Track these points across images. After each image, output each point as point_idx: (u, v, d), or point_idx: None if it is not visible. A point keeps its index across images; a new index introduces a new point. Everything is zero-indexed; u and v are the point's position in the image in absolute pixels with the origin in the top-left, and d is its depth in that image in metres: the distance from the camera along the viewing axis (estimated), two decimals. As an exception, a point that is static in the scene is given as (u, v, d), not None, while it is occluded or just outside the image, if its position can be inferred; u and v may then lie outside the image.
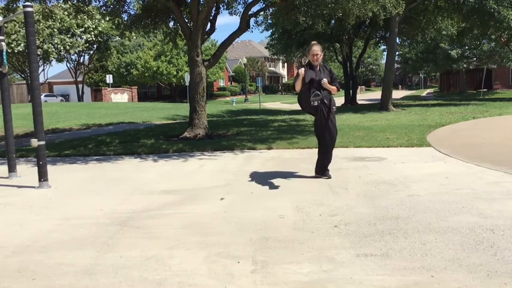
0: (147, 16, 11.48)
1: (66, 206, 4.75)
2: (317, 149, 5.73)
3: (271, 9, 12.14)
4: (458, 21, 21.78)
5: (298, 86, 5.42)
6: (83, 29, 37.85)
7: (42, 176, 5.67)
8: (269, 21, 21.81)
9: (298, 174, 5.86)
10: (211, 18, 10.87)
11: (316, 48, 5.39)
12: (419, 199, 4.43)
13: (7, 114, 6.46)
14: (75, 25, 37.04)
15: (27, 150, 8.79)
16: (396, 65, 41.61)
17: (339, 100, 33.11)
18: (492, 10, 18.78)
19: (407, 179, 5.33)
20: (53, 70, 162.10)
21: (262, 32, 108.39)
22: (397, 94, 45.02)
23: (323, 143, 5.57)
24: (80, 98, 44.21)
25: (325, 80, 5.35)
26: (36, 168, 5.84)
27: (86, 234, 3.74)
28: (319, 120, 5.48)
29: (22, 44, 31.99)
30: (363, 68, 72.87)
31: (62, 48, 37.14)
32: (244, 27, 11.08)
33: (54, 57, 37.49)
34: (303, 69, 5.37)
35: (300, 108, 5.83)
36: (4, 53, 6.31)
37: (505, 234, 3.34)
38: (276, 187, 5.21)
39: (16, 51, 33.64)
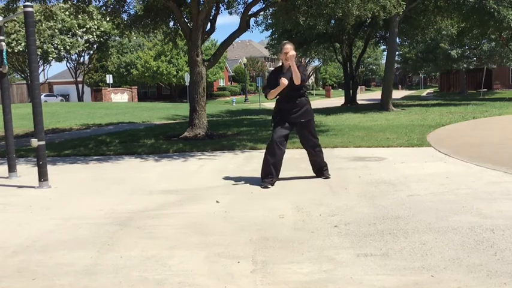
0: (147, 16, 11.48)
1: (66, 206, 4.75)
2: None
3: (271, 9, 12.14)
4: (458, 21, 21.78)
5: (272, 96, 5.30)
6: (85, 29, 37.84)
7: (42, 176, 5.66)
8: (269, 21, 21.84)
9: (298, 174, 5.86)
10: (211, 18, 10.87)
11: (288, 47, 5.19)
12: (419, 199, 4.43)
13: (7, 114, 6.46)
14: (76, 25, 37.03)
15: (27, 150, 8.79)
16: (396, 65, 41.57)
17: (339, 100, 33.21)
18: (492, 10, 18.77)
19: (407, 179, 5.33)
20: (53, 70, 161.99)
21: (262, 32, 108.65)
22: (397, 94, 45.02)
23: (306, 151, 5.59)
24: (80, 98, 44.22)
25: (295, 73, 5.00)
26: (36, 168, 5.83)
27: (86, 234, 3.74)
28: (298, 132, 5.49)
29: (22, 44, 31.98)
30: (363, 68, 72.91)
31: (62, 48, 37.14)
32: (244, 27, 11.08)
33: (53, 57, 37.48)
34: (285, 80, 5.10)
35: None
36: (4, 53, 6.31)
37: (505, 234, 3.34)
38: (276, 187, 5.21)
39: (16, 51, 33.64)
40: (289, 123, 5.32)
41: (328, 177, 5.52)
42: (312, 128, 5.46)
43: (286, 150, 5.43)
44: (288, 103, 5.28)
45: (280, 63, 5.49)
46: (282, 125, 5.30)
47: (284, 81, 5.11)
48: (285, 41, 5.48)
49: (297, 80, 5.10)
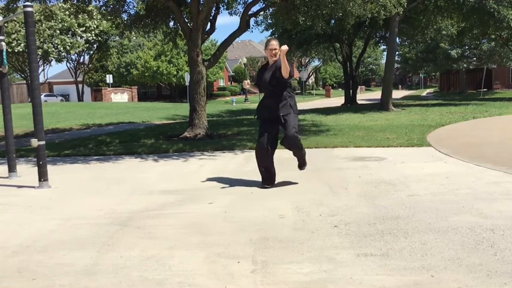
0: (147, 16, 11.48)
1: (66, 206, 4.75)
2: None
3: (271, 9, 12.15)
4: (458, 21, 21.77)
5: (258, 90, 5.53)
6: (84, 28, 37.83)
7: (42, 176, 5.66)
8: (269, 21, 21.83)
9: (298, 174, 5.85)
10: (211, 18, 10.87)
11: (274, 43, 5.16)
12: (419, 199, 4.43)
13: (7, 114, 6.46)
14: (76, 25, 37.02)
15: (27, 150, 8.79)
16: (396, 65, 41.60)
17: (339, 100, 33.18)
18: (492, 10, 18.78)
19: (407, 179, 5.33)
20: (53, 70, 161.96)
21: (262, 32, 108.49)
22: (397, 94, 45.00)
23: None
24: (80, 98, 44.20)
25: (282, 48, 4.94)
26: (36, 168, 5.83)
27: (86, 234, 3.74)
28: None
29: (22, 44, 31.97)
30: (362, 68, 72.87)
31: (62, 48, 37.14)
32: (244, 27, 11.08)
33: (54, 57, 37.48)
34: (246, 82, 5.45)
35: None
36: (4, 53, 6.31)
37: (505, 234, 3.34)
38: (276, 187, 5.21)
39: (16, 51, 33.64)
40: (272, 121, 5.17)
41: (302, 170, 5.48)
42: (292, 120, 5.14)
43: (286, 150, 5.42)
44: (269, 99, 5.18)
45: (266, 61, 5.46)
46: (266, 127, 5.19)
47: (245, 83, 5.46)
48: (270, 38, 5.45)
49: (285, 73, 5.04)
